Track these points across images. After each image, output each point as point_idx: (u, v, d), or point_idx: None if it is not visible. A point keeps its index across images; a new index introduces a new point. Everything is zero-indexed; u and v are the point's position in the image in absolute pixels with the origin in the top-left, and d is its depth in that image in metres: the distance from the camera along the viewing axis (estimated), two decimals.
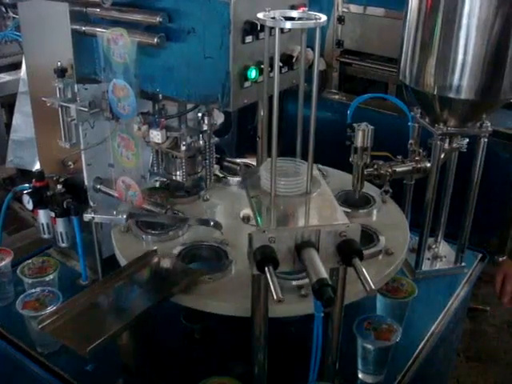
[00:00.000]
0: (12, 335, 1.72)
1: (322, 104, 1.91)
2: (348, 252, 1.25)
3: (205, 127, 1.80)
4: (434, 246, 2.11)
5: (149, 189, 1.93)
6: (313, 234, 1.26)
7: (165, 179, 1.96)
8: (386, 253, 1.64)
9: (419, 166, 1.89)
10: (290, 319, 1.58)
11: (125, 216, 1.69)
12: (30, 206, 1.87)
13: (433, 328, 1.79)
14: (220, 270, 1.53)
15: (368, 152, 1.78)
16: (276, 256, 1.23)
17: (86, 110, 1.68)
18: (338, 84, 3.48)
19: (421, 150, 1.91)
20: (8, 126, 3.34)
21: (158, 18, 1.50)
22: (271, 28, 1.50)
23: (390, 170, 1.85)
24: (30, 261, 1.80)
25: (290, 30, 1.62)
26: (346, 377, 1.60)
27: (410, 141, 1.95)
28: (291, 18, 1.40)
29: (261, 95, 1.58)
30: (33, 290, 1.67)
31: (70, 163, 1.89)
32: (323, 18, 1.33)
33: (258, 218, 1.32)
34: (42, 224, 1.94)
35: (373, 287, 1.17)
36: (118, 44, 1.58)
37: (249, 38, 1.49)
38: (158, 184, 2.00)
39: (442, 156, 1.88)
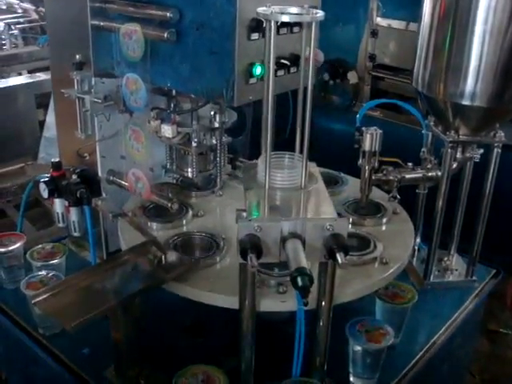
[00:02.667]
0: (18, 316, 1.79)
1: (352, 118, 1.92)
2: (332, 246, 1.25)
3: (216, 125, 1.83)
4: (445, 259, 2.08)
5: (161, 183, 1.97)
6: (299, 226, 1.27)
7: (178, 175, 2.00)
8: (381, 261, 1.61)
9: (430, 174, 1.87)
10: (286, 318, 1.58)
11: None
12: (45, 194, 1.94)
13: (434, 338, 1.75)
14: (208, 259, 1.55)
15: (376, 156, 1.78)
16: (260, 244, 1.24)
17: (100, 101, 1.74)
18: (370, 98, 3.47)
19: (432, 158, 1.89)
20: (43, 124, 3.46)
21: (168, 14, 1.55)
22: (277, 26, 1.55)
23: (398, 176, 1.83)
24: (40, 246, 1.86)
25: (299, 29, 1.65)
26: (339, 379, 1.58)
27: (423, 149, 1.94)
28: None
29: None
30: (38, 273, 1.72)
31: (85, 155, 1.95)
32: (320, 13, 1.35)
33: (248, 209, 1.34)
34: (58, 213, 2.00)
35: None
36: (132, 39, 1.64)
37: (255, 35, 1.52)
38: (172, 179, 2.04)
39: (455, 166, 1.86)
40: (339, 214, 1.35)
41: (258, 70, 1.56)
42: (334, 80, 3.46)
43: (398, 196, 1.85)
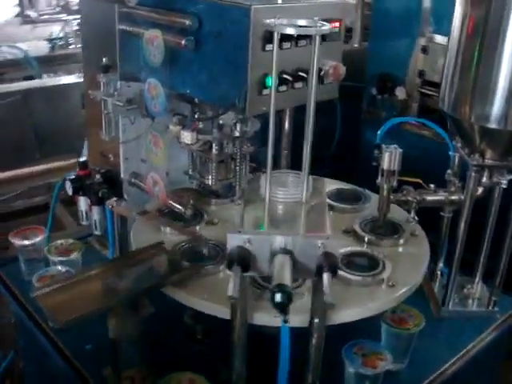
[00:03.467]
0: (32, 308, 1.84)
1: (398, 134, 1.86)
2: (321, 265, 1.22)
3: (236, 133, 1.83)
4: (469, 286, 1.99)
5: (182, 188, 1.99)
6: (290, 242, 1.25)
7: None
8: (388, 284, 1.56)
9: (453, 197, 1.81)
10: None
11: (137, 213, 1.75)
12: (70, 191, 2.00)
13: (443, 368, 1.68)
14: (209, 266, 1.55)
15: (395, 176, 1.73)
16: (247, 258, 1.23)
17: (122, 105, 1.78)
18: (418, 115, 3.38)
19: (457, 181, 1.82)
20: None
21: (187, 22, 1.57)
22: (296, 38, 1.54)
23: (417, 198, 1.78)
24: (60, 241, 1.92)
25: (321, 42, 1.63)
26: None
27: (449, 170, 1.87)
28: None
29: (282, 105, 1.60)
30: (51, 268, 1.77)
31: (110, 156, 2.00)
32: (326, 26, 1.32)
33: (242, 221, 1.33)
34: (81, 211, 2.06)
35: (331, 301, 1.13)
36: (154, 44, 1.67)
37: (269, 47, 1.51)
38: (194, 185, 2.06)
39: (480, 191, 1.79)
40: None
41: (269, 82, 1.55)
42: (381, 95, 3.39)
43: (417, 218, 1.80)
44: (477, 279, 2.01)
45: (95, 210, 2.00)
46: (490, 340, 1.83)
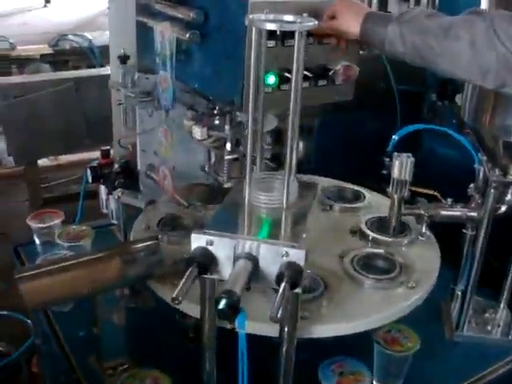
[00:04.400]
0: None
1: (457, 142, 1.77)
2: (280, 274, 1.16)
3: (247, 132, 1.78)
4: (491, 311, 1.84)
5: (195, 184, 1.97)
6: (254, 247, 1.20)
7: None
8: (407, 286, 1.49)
9: (471, 214, 1.67)
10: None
11: (144, 202, 1.75)
12: (90, 179, 2.04)
13: None
14: None
15: (407, 186, 1.62)
16: (207, 259, 1.19)
17: (133, 96, 1.78)
18: None
19: (478, 196, 1.68)
20: None
21: (191, 15, 1.55)
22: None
23: (431, 212, 1.66)
24: (72, 227, 1.95)
25: (330, 41, 1.56)
26: None
27: (471, 185, 1.73)
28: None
29: (284, 104, 1.53)
30: (56, 251, 1.81)
31: (129, 146, 2.01)
32: (310, 23, 1.25)
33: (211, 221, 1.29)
34: (102, 199, 2.09)
35: (274, 314, 1.06)
36: (165, 37, 1.66)
37: (270, 43, 1.46)
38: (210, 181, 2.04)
39: (503, 208, 1.64)
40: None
41: (271, 80, 1.49)
42: (442, 101, 3.22)
43: (428, 233, 1.68)
44: (502, 304, 1.85)
45: (112, 199, 2.02)
46: (506, 371, 1.68)
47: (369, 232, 1.69)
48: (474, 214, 1.66)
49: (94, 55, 3.94)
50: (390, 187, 1.65)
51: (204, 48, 1.59)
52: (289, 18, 1.28)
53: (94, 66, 3.79)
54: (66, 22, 4.78)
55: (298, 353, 1.37)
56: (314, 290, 1.45)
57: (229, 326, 1.19)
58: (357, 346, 1.56)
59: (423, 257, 1.64)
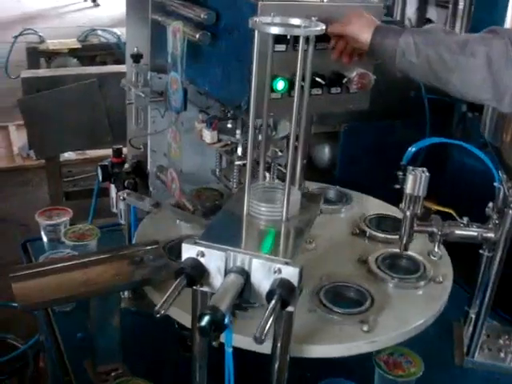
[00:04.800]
0: None
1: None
2: (271, 290, 1.10)
3: (260, 137, 1.73)
4: (506, 337, 1.74)
5: (204, 187, 1.93)
6: (246, 261, 1.15)
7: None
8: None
9: (487, 235, 1.58)
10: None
11: (149, 204, 1.71)
12: (100, 177, 2.01)
13: None
14: None
15: (420, 202, 1.55)
16: (197, 270, 1.14)
17: (143, 96, 1.74)
18: None
19: (496, 216, 1.59)
20: None
21: (203, 15, 1.50)
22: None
23: (444, 230, 1.57)
24: (79, 225, 1.93)
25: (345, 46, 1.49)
26: None
27: (490, 204, 1.64)
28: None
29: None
30: (62, 250, 1.79)
31: (140, 146, 1.98)
32: (318, 28, 1.18)
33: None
34: (113, 198, 2.06)
35: (259, 335, 1.01)
36: (177, 37, 1.61)
37: (280, 47, 1.40)
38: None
39: None
40: None
41: (279, 85, 1.43)
42: (472, 112, 3.10)
43: (440, 252, 1.60)
44: None
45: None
46: None
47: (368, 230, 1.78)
48: (490, 234, 1.58)
49: (121, 51, 3.91)
50: (403, 203, 1.57)
51: (215, 50, 1.54)
52: (296, 21, 1.22)
53: (120, 62, 3.77)
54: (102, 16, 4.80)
55: (295, 370, 1.32)
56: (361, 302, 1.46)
57: (214, 344, 1.14)
58: (358, 369, 1.51)
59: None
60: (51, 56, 3.54)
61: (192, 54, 1.61)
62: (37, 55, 3.50)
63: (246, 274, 1.14)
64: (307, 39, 1.26)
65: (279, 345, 1.22)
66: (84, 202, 3.25)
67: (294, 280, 1.12)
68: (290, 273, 1.12)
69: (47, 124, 2.84)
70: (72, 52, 3.73)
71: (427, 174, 1.52)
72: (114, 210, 2.10)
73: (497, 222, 1.58)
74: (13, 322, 2.68)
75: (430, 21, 4.40)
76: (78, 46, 3.82)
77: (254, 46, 1.19)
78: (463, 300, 1.81)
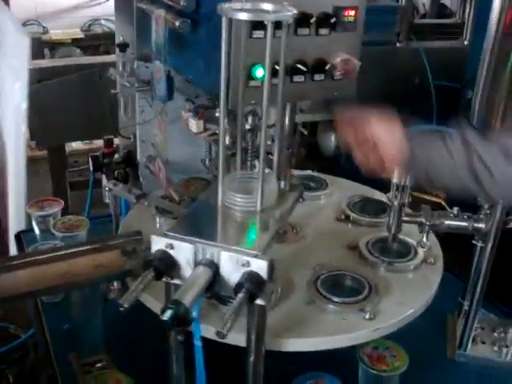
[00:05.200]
0: None
1: None
2: (240, 283, 1.08)
3: (247, 126, 1.70)
4: (500, 330, 1.70)
5: (193, 177, 1.91)
6: (215, 253, 1.12)
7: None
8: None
9: (478, 225, 1.53)
10: None
11: (134, 195, 1.69)
12: (91, 168, 2.00)
13: None
14: None
15: (406, 191, 1.51)
16: (166, 262, 1.12)
17: (128, 85, 1.72)
18: None
19: (486, 207, 1.54)
20: None
21: (182, 2, 1.47)
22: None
23: (433, 221, 1.53)
24: (69, 216, 1.92)
25: (329, 31, 1.45)
26: None
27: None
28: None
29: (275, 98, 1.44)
30: (51, 241, 1.78)
31: (130, 136, 1.96)
32: (288, 13, 1.14)
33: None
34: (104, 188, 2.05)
35: (222, 330, 0.98)
36: (159, 25, 1.59)
37: (258, 33, 1.36)
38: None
39: None
40: None
41: (259, 72, 1.40)
42: None
43: (428, 243, 1.56)
44: None
45: None
46: None
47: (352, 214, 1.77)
48: (481, 225, 1.53)
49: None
50: (390, 192, 1.53)
51: (196, 37, 1.51)
52: (267, 6, 1.18)
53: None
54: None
55: (274, 364, 1.30)
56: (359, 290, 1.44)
57: (179, 338, 1.12)
58: (342, 363, 1.48)
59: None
60: (54, 46, 3.55)
61: (176, 43, 1.59)
62: (40, 46, 3.51)
63: (215, 267, 1.12)
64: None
65: (253, 338, 1.20)
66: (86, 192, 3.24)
67: (264, 273, 1.09)
68: (259, 266, 1.09)
69: (48, 114, 2.84)
70: (75, 42, 3.73)
71: None
72: (107, 200, 2.08)
73: (488, 212, 1.53)
74: (14, 311, 2.69)
75: (444, 6, 4.31)
76: (81, 35, 3.81)
77: (223, 32, 1.16)
78: (460, 292, 1.77)
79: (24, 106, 2.38)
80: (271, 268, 1.10)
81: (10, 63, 2.39)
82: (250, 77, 1.40)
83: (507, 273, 1.86)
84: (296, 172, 2.00)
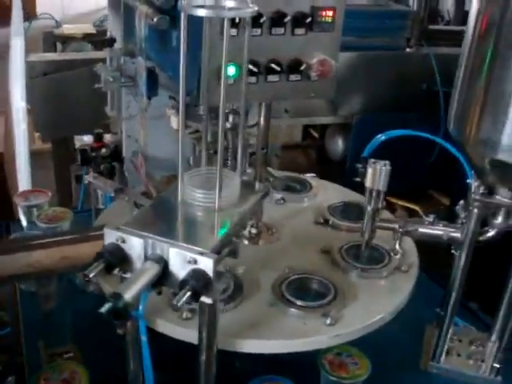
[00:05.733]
0: None
1: None
2: (182, 281, 1.07)
3: (228, 125, 1.70)
4: (478, 343, 1.65)
5: (174, 175, 1.90)
6: (165, 249, 1.12)
7: None
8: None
9: (453, 234, 1.50)
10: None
11: (112, 189, 1.70)
12: (79, 161, 2.02)
13: None
14: None
15: (381, 196, 1.48)
16: (117, 256, 1.12)
17: (111, 80, 1.73)
18: None
19: (463, 216, 1.50)
20: None
21: None
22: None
23: (407, 228, 1.50)
24: (53, 208, 1.93)
25: (306, 32, 1.43)
26: None
27: (461, 202, 1.55)
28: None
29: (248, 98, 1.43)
30: (28, 232, 1.80)
31: (117, 131, 1.97)
32: (248, 10, 1.13)
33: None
34: None
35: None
36: (141, 20, 1.59)
37: (231, 31, 1.35)
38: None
39: (492, 233, 1.46)
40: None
41: (230, 71, 1.39)
42: None
43: (400, 251, 1.53)
44: (493, 337, 1.66)
45: None
46: None
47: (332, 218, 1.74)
48: (457, 234, 1.49)
49: None
50: (365, 197, 1.51)
51: (175, 34, 1.51)
52: (230, 3, 1.17)
53: None
54: None
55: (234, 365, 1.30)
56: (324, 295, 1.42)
57: (119, 331, 1.12)
58: (307, 368, 1.46)
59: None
60: (66, 41, 3.59)
61: (157, 39, 1.59)
62: (52, 40, 3.56)
63: (163, 263, 1.12)
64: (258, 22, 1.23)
65: (204, 337, 1.19)
66: None
67: (210, 271, 1.08)
68: (205, 263, 1.08)
69: (52, 107, 2.88)
70: (87, 37, 3.77)
71: (388, 167, 1.46)
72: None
73: (464, 221, 1.49)
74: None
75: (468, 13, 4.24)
76: (93, 31, 3.84)
77: (181, 29, 1.15)
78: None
79: (23, 104, 2.42)
80: (217, 266, 1.09)
81: (11, 65, 2.44)
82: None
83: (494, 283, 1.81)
84: (281, 173, 2.00)
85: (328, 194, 1.93)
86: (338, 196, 1.90)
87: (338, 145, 3.60)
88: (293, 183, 1.96)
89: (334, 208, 1.80)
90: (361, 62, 3.16)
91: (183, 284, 1.07)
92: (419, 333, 1.70)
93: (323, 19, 1.43)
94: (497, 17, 1.26)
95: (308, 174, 2.08)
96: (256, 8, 1.15)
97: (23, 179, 2.81)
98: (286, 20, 1.39)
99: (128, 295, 1.03)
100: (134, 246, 1.13)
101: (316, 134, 4.28)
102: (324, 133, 3.90)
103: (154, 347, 1.41)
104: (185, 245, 1.10)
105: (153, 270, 1.10)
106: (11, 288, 1.77)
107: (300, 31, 1.43)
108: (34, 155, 4.21)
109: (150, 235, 1.12)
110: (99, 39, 3.83)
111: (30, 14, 3.95)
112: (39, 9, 4.34)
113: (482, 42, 1.31)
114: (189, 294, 1.05)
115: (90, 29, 3.82)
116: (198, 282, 1.07)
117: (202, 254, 1.08)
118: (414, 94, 3.19)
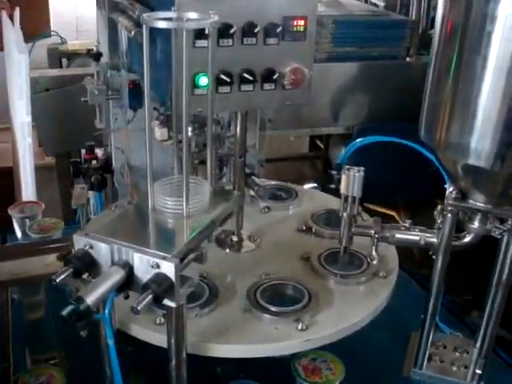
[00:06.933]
0: None
1: None
2: (144, 285, 1.10)
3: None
4: (461, 350, 1.65)
5: None
6: (130, 255, 1.14)
7: None
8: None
9: (430, 240, 1.50)
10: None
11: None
12: (71, 173, 2.06)
13: None
14: None
15: (356, 203, 1.49)
16: (85, 261, 1.15)
17: (96, 93, 1.77)
18: None
19: (439, 221, 1.51)
20: None
21: (137, 13, 1.51)
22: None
23: (384, 233, 1.51)
24: (44, 219, 1.98)
25: (277, 41, 1.46)
26: None
27: (439, 207, 1.55)
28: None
29: (221, 108, 1.47)
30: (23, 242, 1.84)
31: (107, 143, 2.02)
32: (206, 21, 1.16)
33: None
34: None
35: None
36: (123, 35, 1.64)
37: (202, 43, 1.38)
38: None
39: (468, 238, 1.47)
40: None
41: (203, 81, 1.42)
42: None
43: (377, 256, 1.53)
44: (478, 343, 1.65)
45: (90, 194, 2.03)
46: None
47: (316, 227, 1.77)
48: (433, 239, 1.50)
49: None
50: (340, 204, 1.52)
51: (152, 48, 1.54)
52: (193, 15, 1.20)
53: None
54: None
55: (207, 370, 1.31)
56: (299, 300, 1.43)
57: (82, 334, 1.14)
58: (283, 373, 1.47)
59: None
60: (71, 57, 3.67)
61: (138, 52, 1.63)
62: (57, 56, 3.64)
63: (128, 268, 1.14)
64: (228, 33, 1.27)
65: (173, 342, 1.22)
66: None
67: (171, 275, 1.10)
68: (168, 268, 1.10)
69: (55, 122, 2.94)
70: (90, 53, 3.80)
71: (362, 173, 1.47)
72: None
73: (440, 226, 1.50)
74: None
75: None
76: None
77: (144, 42, 1.19)
78: None
79: (28, 119, 2.47)
80: (179, 270, 1.11)
81: (15, 81, 2.50)
82: (195, 85, 1.43)
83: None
84: (268, 182, 2.02)
85: (314, 202, 1.94)
86: (324, 204, 1.91)
87: (341, 154, 3.60)
88: (278, 191, 1.98)
89: (317, 216, 1.82)
90: (360, 72, 3.17)
91: (145, 288, 1.09)
92: (407, 340, 1.71)
93: (295, 28, 1.46)
94: (460, 21, 1.27)
95: (308, 185, 2.11)
96: (216, 18, 1.18)
97: (28, 193, 2.86)
98: (257, 30, 1.42)
99: (90, 299, 1.05)
100: (101, 251, 1.16)
101: (322, 145, 4.31)
102: (328, 143, 3.92)
103: (132, 352, 1.46)
104: (148, 250, 1.13)
105: (117, 274, 1.12)
106: (2, 295, 1.82)
107: (272, 41, 1.45)
108: (43, 169, 4.31)
109: (116, 241, 1.15)
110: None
111: (40, 31, 4.05)
112: (54, 27, 4.45)
113: (447, 46, 1.32)
114: (150, 297, 1.08)
115: (93, 44, 3.86)
116: (160, 286, 1.09)
117: (164, 258, 1.11)
118: (414, 103, 3.18)
